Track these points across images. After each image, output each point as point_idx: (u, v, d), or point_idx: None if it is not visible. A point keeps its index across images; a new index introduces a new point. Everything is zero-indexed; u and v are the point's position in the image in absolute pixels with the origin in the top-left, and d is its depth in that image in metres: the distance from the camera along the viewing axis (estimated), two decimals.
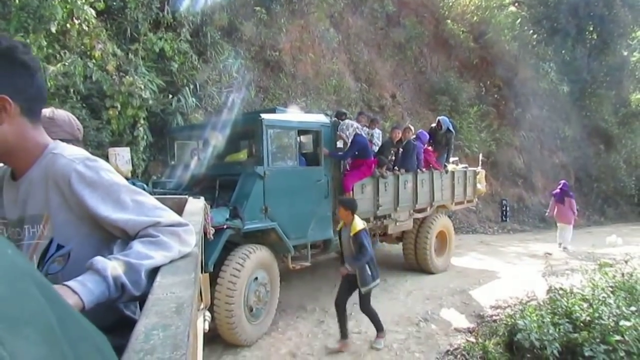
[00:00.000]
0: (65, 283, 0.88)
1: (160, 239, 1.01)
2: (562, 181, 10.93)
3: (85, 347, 0.41)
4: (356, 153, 5.96)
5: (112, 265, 0.92)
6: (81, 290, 0.87)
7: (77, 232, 1.05)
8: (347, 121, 6.05)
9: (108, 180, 1.05)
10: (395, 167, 6.91)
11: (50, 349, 0.33)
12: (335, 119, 6.25)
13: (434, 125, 8.31)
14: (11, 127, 1.00)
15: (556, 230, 10.49)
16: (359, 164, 6.09)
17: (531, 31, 18.83)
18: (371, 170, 6.21)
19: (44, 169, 1.05)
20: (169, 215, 1.09)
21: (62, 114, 1.73)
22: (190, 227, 1.10)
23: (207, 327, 1.81)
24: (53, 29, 5.30)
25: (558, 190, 10.34)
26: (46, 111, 1.71)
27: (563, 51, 19.26)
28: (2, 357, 0.28)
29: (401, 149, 7.07)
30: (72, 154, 1.07)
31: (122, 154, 4.68)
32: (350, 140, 5.87)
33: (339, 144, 6.19)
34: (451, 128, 8.18)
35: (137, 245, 0.99)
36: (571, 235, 10.14)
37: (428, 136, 7.94)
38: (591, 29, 20.07)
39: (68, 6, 5.59)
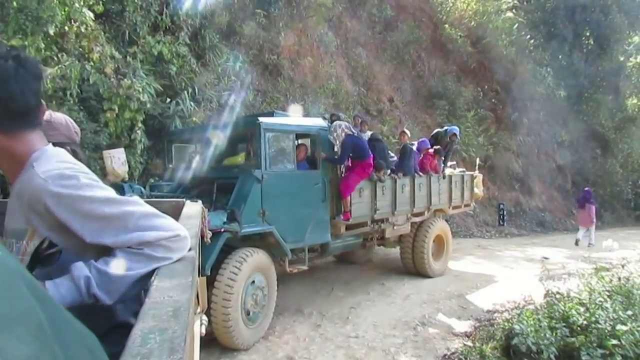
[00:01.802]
0: (45, 282, 0.94)
1: (144, 252, 1.00)
2: (586, 189, 12.64)
3: (76, 347, 0.41)
4: (350, 155, 5.92)
5: (86, 276, 0.96)
6: (54, 294, 0.93)
7: (63, 238, 1.03)
8: (335, 122, 5.94)
9: (88, 199, 0.99)
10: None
11: (41, 348, 0.33)
12: (330, 122, 6.22)
13: (441, 130, 8.39)
14: None
15: (553, 234, 10.63)
16: (354, 166, 6.02)
17: (528, 36, 18.93)
18: (368, 171, 6.08)
19: (24, 183, 1.03)
20: (159, 226, 1.04)
21: (60, 117, 1.72)
22: (180, 235, 1.05)
23: (203, 330, 1.80)
24: (51, 31, 5.30)
25: (581, 196, 12.07)
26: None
27: (560, 56, 19.37)
28: None
29: (398, 153, 7.09)
30: (47, 170, 1.00)
31: (118, 156, 4.67)
32: (340, 142, 5.81)
33: (330, 137, 6.11)
34: (459, 137, 8.33)
35: (119, 255, 0.99)
36: (593, 234, 11.52)
37: (429, 144, 7.95)
38: (588, 34, 20.19)
39: (66, 9, 5.59)
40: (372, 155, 6.10)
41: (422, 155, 7.63)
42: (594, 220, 11.79)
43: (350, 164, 6.12)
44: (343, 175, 6.08)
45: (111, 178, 4.39)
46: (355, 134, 6.02)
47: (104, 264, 0.98)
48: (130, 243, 0.99)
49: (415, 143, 7.88)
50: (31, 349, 0.32)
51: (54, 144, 1.67)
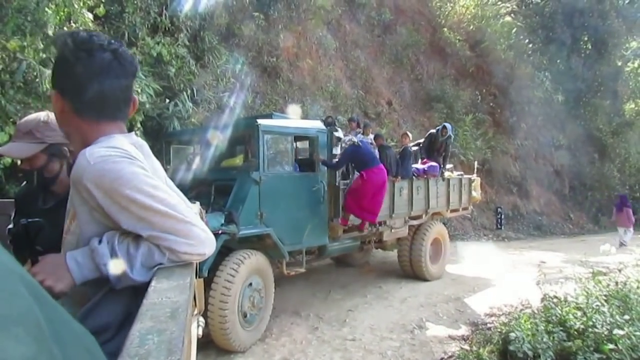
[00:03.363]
0: (69, 256, 0.98)
1: (166, 258, 1.01)
2: (621, 194, 14.01)
3: (74, 347, 0.41)
4: (352, 164, 5.87)
5: (112, 262, 0.98)
6: (76, 272, 0.98)
7: (101, 220, 1.03)
8: (349, 136, 5.91)
9: (128, 186, 0.97)
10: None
11: (39, 349, 0.33)
12: (325, 125, 6.19)
13: (433, 131, 8.33)
14: (67, 119, 1.07)
15: (550, 238, 10.61)
16: (358, 180, 5.79)
17: (527, 40, 19.04)
18: (373, 182, 5.77)
19: (75, 164, 1.03)
20: (195, 238, 1.02)
21: None
22: (205, 255, 1.04)
23: (200, 332, 1.80)
24: (50, 32, 5.29)
25: (618, 201, 13.03)
26: (41, 115, 1.70)
27: (558, 60, 19.46)
28: None
29: (398, 156, 7.09)
30: (94, 152, 0.99)
31: None
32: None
33: (336, 150, 6.12)
34: (452, 134, 8.26)
35: (143, 247, 1.00)
36: (631, 235, 12.54)
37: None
38: (586, 38, 20.30)
39: (66, 9, 5.59)
40: (379, 166, 5.91)
41: None
42: (633, 220, 12.71)
43: (361, 176, 5.83)
44: (351, 186, 5.92)
45: None
46: (360, 145, 5.79)
47: (127, 253, 0.99)
48: (161, 244, 0.99)
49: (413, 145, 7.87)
50: (30, 349, 0.32)
51: (52, 145, 1.67)
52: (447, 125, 8.22)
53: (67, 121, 1.07)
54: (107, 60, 1.02)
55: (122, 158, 0.99)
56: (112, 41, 1.06)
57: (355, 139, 5.85)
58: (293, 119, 6.53)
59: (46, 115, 1.69)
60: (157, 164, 1.19)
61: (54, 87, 1.05)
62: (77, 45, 1.00)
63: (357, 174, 6.02)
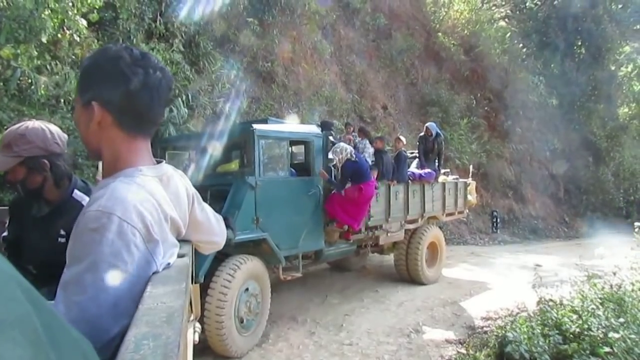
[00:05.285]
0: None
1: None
2: None
3: (71, 353, 0.41)
4: (350, 179, 5.90)
5: None
6: None
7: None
8: (341, 144, 5.86)
9: (86, 254, 0.89)
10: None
11: (36, 352, 0.33)
12: (322, 129, 6.20)
13: (422, 134, 8.37)
14: (102, 131, 1.05)
15: (545, 241, 10.64)
16: (354, 192, 5.81)
17: (521, 45, 19.16)
18: (368, 195, 5.87)
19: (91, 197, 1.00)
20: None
21: (37, 128, 1.67)
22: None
23: (197, 338, 1.79)
24: (44, 39, 5.28)
25: None
26: (19, 127, 1.67)
27: (552, 65, 19.59)
28: None
29: (392, 160, 7.11)
30: (96, 202, 0.93)
31: None
32: (340, 165, 5.76)
33: (331, 155, 6.10)
34: (439, 132, 8.27)
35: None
36: None
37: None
38: (580, 43, 20.44)
39: (59, 16, 5.59)
40: (372, 179, 6.02)
41: None
42: None
43: (359, 189, 5.85)
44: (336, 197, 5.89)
45: (99, 177, 4.38)
46: (356, 159, 5.84)
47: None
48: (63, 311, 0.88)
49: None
50: (27, 352, 0.32)
51: (28, 159, 1.65)
52: (428, 124, 8.28)
53: (101, 134, 1.05)
54: (158, 78, 1.06)
55: (109, 224, 0.90)
56: (158, 61, 1.10)
57: (347, 152, 5.76)
58: (288, 123, 6.54)
59: (24, 128, 1.66)
60: (181, 192, 1.19)
61: (91, 98, 1.03)
62: (134, 61, 1.03)
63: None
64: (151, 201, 1.00)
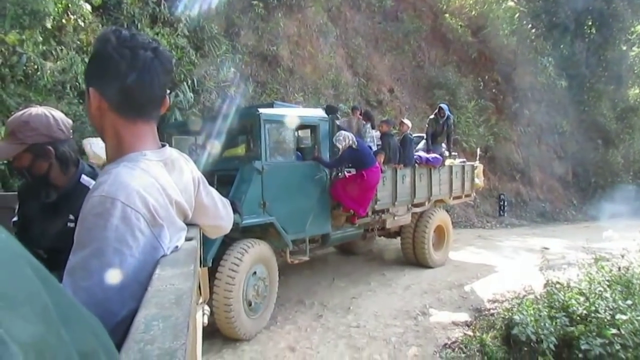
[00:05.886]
0: None
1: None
2: None
3: (81, 330, 0.41)
4: (349, 165, 5.85)
5: None
6: None
7: None
8: (342, 132, 5.76)
9: (90, 240, 0.90)
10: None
11: (47, 329, 0.34)
12: (327, 113, 6.13)
13: (432, 116, 8.28)
14: (102, 117, 1.04)
15: (553, 225, 10.60)
16: (358, 176, 5.79)
17: (530, 25, 18.79)
18: (371, 181, 5.81)
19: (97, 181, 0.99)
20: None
21: (41, 115, 1.67)
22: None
23: (206, 321, 1.82)
24: (48, 25, 5.26)
25: None
26: (23, 114, 1.67)
27: (562, 46, 19.23)
28: None
29: (399, 143, 7.06)
30: (101, 187, 0.93)
31: (95, 142, 4.76)
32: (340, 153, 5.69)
33: (336, 144, 6.01)
34: (449, 114, 8.18)
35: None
36: None
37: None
38: (590, 23, 20.03)
39: (64, 2, 5.56)
40: (376, 165, 5.92)
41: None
42: None
43: (361, 175, 5.80)
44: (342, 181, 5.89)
45: (94, 161, 4.40)
46: (357, 147, 5.73)
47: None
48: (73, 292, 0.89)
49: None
50: (38, 329, 0.32)
51: (33, 145, 1.66)
52: (443, 105, 8.16)
53: (102, 119, 1.05)
54: (149, 58, 1.02)
55: (114, 208, 0.90)
56: (152, 40, 1.06)
57: (349, 140, 5.68)
58: (294, 107, 6.50)
59: (28, 114, 1.65)
60: (186, 176, 1.17)
61: (89, 84, 1.04)
62: (120, 43, 1.00)
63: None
64: (155, 186, 0.99)
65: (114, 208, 0.90)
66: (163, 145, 1.13)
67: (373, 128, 7.31)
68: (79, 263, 0.89)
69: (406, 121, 7.53)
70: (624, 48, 20.88)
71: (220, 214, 1.39)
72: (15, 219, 1.89)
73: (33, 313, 0.33)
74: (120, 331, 0.80)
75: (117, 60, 0.99)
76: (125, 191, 0.92)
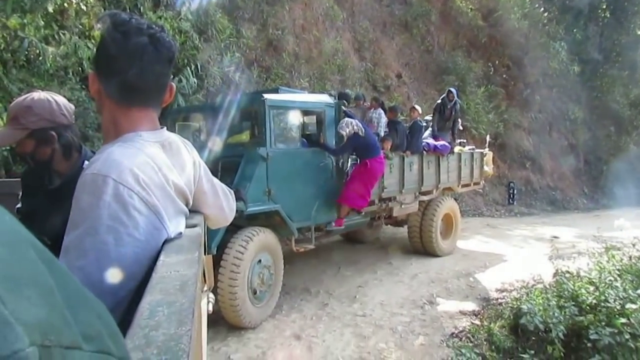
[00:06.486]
0: None
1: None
2: None
3: (86, 312, 0.41)
4: (354, 153, 5.74)
5: None
6: None
7: None
8: (346, 119, 5.60)
9: (83, 217, 0.90)
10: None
11: (52, 311, 0.34)
12: (339, 100, 6.05)
13: (439, 101, 8.12)
14: (100, 101, 1.06)
15: (563, 213, 10.48)
16: (360, 168, 5.71)
17: (542, 9, 18.36)
18: (375, 171, 5.73)
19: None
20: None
21: (43, 100, 1.65)
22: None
23: (211, 308, 1.82)
24: (50, 9, 5.18)
25: None
26: (25, 99, 1.66)
27: (575, 30, 18.82)
28: (3, 314, 0.28)
29: (408, 130, 6.96)
30: (94, 166, 0.92)
31: None
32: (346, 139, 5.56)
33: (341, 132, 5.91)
34: (457, 99, 8.05)
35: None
36: None
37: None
38: (604, 6, 19.57)
39: None
40: (380, 155, 5.82)
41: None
42: None
43: (365, 164, 5.72)
44: (348, 177, 5.81)
45: None
46: (362, 134, 5.58)
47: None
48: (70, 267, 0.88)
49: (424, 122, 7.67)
50: (42, 310, 0.33)
51: (36, 131, 1.62)
52: (452, 89, 8.01)
53: (101, 101, 1.06)
54: (142, 44, 0.98)
55: (106, 188, 0.88)
56: (152, 25, 1.02)
57: (353, 126, 5.55)
58: (300, 93, 6.40)
59: (30, 99, 1.64)
60: (186, 160, 1.15)
61: (91, 68, 1.05)
62: (114, 27, 0.98)
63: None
64: (150, 164, 0.98)
65: (106, 185, 0.89)
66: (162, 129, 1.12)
67: (386, 114, 7.22)
68: (72, 242, 0.89)
69: (417, 107, 7.40)
70: (639, 32, 20.40)
71: (220, 203, 1.37)
72: (18, 205, 1.87)
73: (37, 295, 0.33)
74: (118, 311, 0.83)
75: (108, 45, 0.98)
76: (117, 169, 0.91)
